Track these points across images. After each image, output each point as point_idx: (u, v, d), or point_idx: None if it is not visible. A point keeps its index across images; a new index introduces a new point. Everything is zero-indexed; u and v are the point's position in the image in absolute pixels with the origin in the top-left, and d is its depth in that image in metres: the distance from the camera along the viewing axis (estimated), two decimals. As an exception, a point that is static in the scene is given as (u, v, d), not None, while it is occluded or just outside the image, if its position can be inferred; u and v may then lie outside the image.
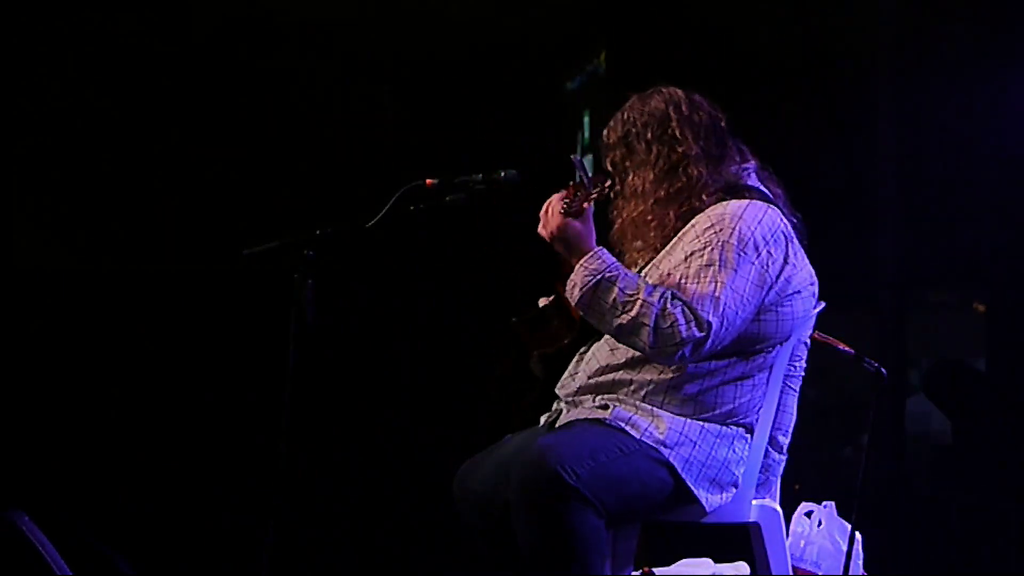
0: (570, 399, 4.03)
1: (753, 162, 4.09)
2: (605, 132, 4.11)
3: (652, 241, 3.99)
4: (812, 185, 6.61)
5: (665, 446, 3.88)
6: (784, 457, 4.16)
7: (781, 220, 3.96)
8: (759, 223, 3.90)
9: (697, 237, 3.88)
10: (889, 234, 6.71)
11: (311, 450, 6.05)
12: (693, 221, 3.94)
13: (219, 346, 6.55)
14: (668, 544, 4.72)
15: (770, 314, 3.91)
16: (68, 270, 6.71)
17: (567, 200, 3.84)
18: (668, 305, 3.77)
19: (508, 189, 4.08)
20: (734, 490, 3.97)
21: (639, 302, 3.77)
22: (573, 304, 3.86)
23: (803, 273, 3.98)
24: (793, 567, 4.39)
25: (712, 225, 3.89)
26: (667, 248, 3.96)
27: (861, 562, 4.67)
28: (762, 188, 4.03)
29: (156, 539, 6.29)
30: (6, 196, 6.69)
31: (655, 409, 3.90)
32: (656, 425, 3.88)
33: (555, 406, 4.11)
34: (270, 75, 6.71)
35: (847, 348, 4.53)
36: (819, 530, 4.73)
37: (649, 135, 4.02)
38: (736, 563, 4.64)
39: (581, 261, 3.83)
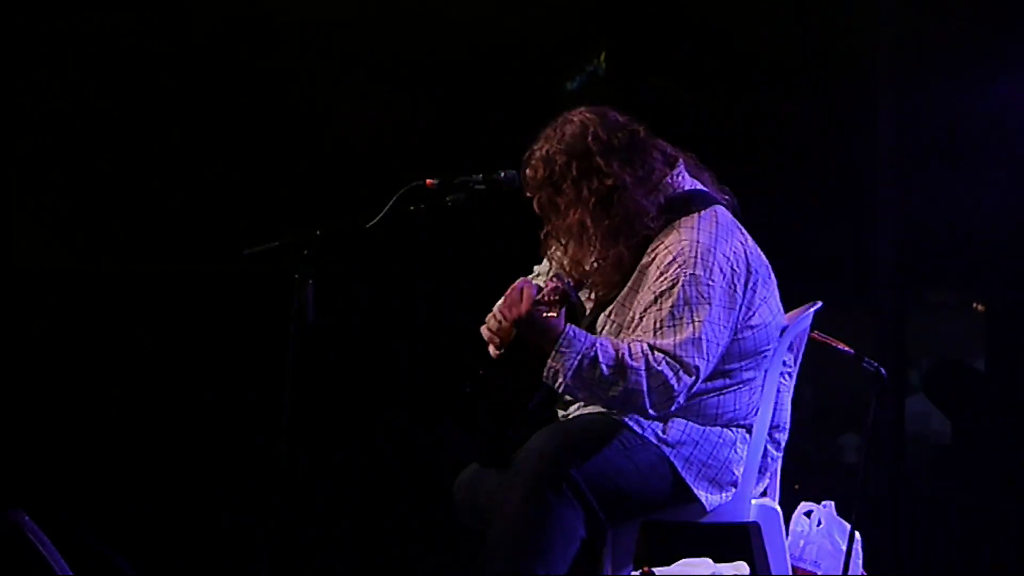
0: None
1: (680, 159, 4.03)
2: (527, 171, 4.00)
3: (611, 277, 3.94)
4: (812, 185, 6.64)
5: (667, 444, 3.90)
6: (780, 454, 4.16)
7: (730, 222, 3.96)
8: (716, 239, 3.88)
9: (662, 275, 3.85)
10: (889, 234, 6.71)
11: (311, 450, 6.05)
12: (651, 251, 3.90)
13: (219, 346, 6.55)
14: (668, 544, 4.72)
15: (746, 332, 3.92)
16: (68, 270, 6.72)
17: (546, 299, 3.74)
18: (653, 364, 3.76)
19: (508, 189, 4.07)
20: (733, 490, 3.97)
21: (625, 370, 3.75)
22: (559, 391, 3.82)
23: (760, 266, 3.96)
24: (793, 567, 4.39)
25: (674, 259, 3.85)
26: (629, 284, 3.92)
27: (861, 562, 4.67)
28: (698, 186, 4.01)
29: (156, 539, 6.29)
30: (6, 196, 6.69)
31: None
32: (659, 423, 3.90)
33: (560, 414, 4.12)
34: (270, 75, 6.71)
35: (847, 348, 4.53)
36: (819, 530, 4.73)
37: (574, 172, 3.91)
38: (736, 563, 4.64)
39: (557, 347, 3.76)
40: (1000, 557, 6.53)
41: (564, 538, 3.82)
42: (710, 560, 4.76)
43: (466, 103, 6.71)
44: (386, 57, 6.71)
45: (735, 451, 3.95)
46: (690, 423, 3.93)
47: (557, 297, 3.73)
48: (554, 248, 4.03)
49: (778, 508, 4.15)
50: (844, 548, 4.52)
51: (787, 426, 4.15)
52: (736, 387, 3.95)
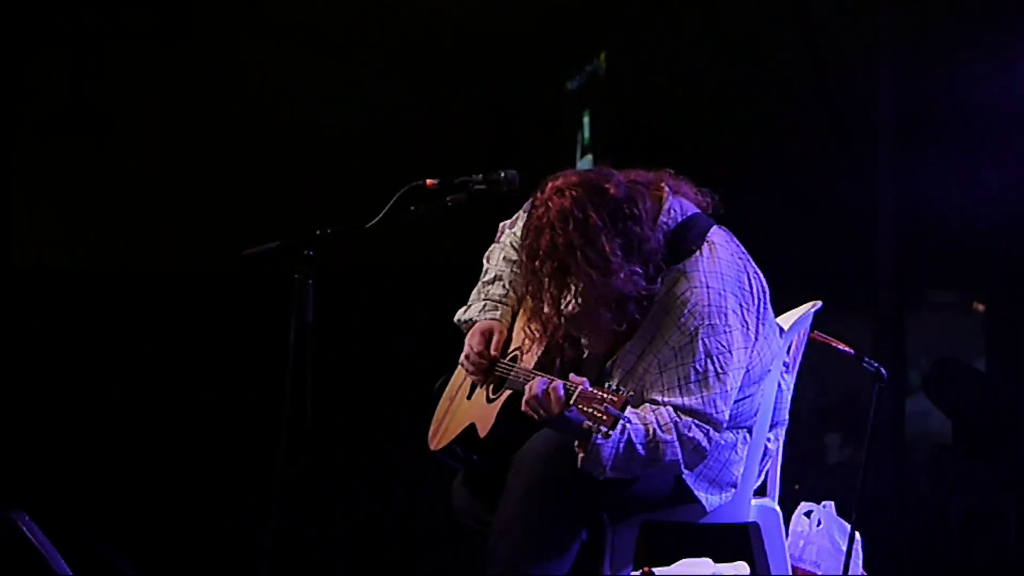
0: None
1: (665, 188, 3.92)
2: (528, 238, 3.85)
3: (610, 338, 3.86)
4: (812, 185, 6.65)
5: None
6: (779, 453, 4.16)
7: (727, 247, 3.91)
8: (723, 280, 3.84)
9: (679, 329, 3.80)
10: (889, 234, 6.71)
11: (311, 450, 6.05)
12: (663, 306, 3.83)
13: (219, 346, 6.56)
14: (668, 544, 4.72)
15: (755, 359, 3.92)
16: (68, 269, 6.72)
17: (584, 405, 3.61)
18: (684, 431, 3.76)
19: (508, 189, 4.07)
20: (733, 490, 3.97)
21: (659, 445, 3.74)
22: (599, 478, 3.76)
23: (760, 284, 3.94)
24: (792, 567, 4.39)
25: (689, 311, 3.80)
26: (640, 333, 3.84)
27: (860, 561, 4.67)
28: (686, 209, 3.94)
29: (156, 539, 6.30)
30: (7, 195, 6.70)
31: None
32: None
33: None
34: (270, 75, 6.71)
35: (847, 348, 4.53)
36: (818, 530, 4.73)
37: (579, 256, 3.76)
38: (736, 563, 4.64)
39: (593, 439, 3.69)
40: (999, 557, 6.53)
41: (565, 538, 3.83)
42: (710, 560, 4.75)
43: (466, 103, 6.71)
44: (386, 57, 6.71)
45: (736, 452, 3.95)
46: (692, 425, 3.92)
47: (602, 416, 3.61)
48: (540, 304, 3.90)
49: (778, 508, 4.15)
50: (844, 548, 4.52)
51: (786, 424, 4.15)
52: (740, 400, 3.95)
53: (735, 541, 4.29)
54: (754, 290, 3.91)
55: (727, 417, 3.82)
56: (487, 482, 3.99)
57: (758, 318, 3.90)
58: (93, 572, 4.71)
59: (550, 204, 3.80)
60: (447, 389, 4.26)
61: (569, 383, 3.67)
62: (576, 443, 3.74)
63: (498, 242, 4.29)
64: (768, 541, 4.09)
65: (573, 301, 3.81)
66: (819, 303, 4.19)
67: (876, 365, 4.47)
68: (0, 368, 6.48)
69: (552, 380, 3.70)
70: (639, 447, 3.72)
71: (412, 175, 4.06)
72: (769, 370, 3.99)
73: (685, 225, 3.91)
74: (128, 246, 6.72)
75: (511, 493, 3.83)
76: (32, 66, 6.69)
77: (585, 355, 3.95)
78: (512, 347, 4.10)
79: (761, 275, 3.96)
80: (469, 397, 4.13)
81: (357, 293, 6.47)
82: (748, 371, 3.89)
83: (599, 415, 3.57)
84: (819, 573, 4.66)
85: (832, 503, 4.77)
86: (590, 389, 3.62)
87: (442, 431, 4.13)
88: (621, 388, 3.60)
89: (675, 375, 3.80)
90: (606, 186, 3.81)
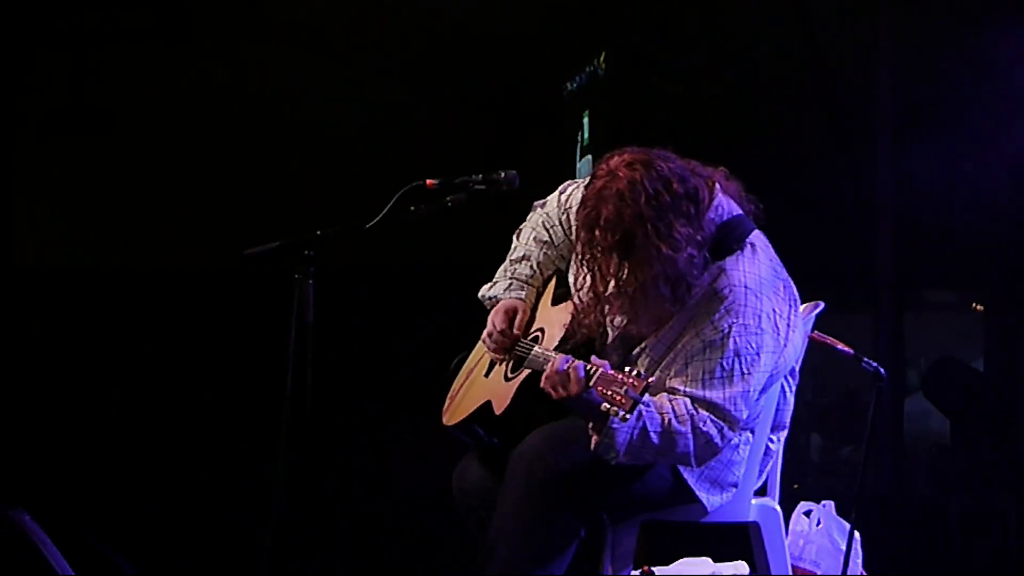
0: None
1: (716, 185, 3.93)
2: (588, 208, 3.81)
3: (665, 316, 3.86)
4: (812, 186, 6.65)
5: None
6: (780, 453, 4.16)
7: (765, 252, 3.93)
8: (761, 283, 3.86)
9: (712, 324, 3.81)
10: (888, 234, 6.71)
11: (311, 450, 6.05)
12: (701, 299, 3.84)
13: (219, 346, 6.56)
14: (668, 544, 4.72)
15: (778, 367, 3.93)
16: (69, 269, 6.72)
17: (603, 387, 3.63)
18: (699, 425, 3.76)
19: (508, 189, 4.07)
20: (734, 490, 3.98)
21: (673, 436, 3.75)
22: (612, 463, 3.78)
23: (792, 292, 3.95)
24: (792, 566, 4.40)
25: (725, 308, 3.81)
26: (673, 324, 3.85)
27: (860, 561, 4.68)
28: (732, 209, 3.94)
29: (156, 539, 6.30)
30: (7, 195, 6.70)
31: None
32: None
33: None
34: (270, 75, 6.72)
35: (846, 348, 4.53)
36: (818, 529, 4.73)
37: (649, 229, 3.74)
38: (736, 563, 4.64)
39: (609, 422, 3.70)
40: (999, 557, 6.53)
41: (563, 538, 3.83)
42: (710, 560, 4.76)
43: (466, 103, 6.71)
44: (386, 57, 6.72)
45: (737, 453, 3.96)
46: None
47: (621, 399, 3.62)
48: (588, 280, 3.88)
49: (778, 508, 4.15)
50: (844, 548, 4.52)
51: (787, 425, 4.15)
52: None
53: (735, 541, 4.30)
54: (787, 298, 3.92)
55: (745, 417, 3.82)
56: (503, 460, 3.98)
57: (788, 325, 3.90)
58: (93, 572, 4.71)
59: (620, 174, 3.77)
60: (464, 366, 4.26)
61: (591, 364, 3.68)
62: (591, 426, 3.75)
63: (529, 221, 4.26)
64: (768, 540, 4.09)
65: (628, 276, 3.79)
66: (821, 304, 4.19)
67: (875, 365, 4.48)
68: (0, 368, 6.49)
69: (573, 360, 3.71)
70: (653, 435, 3.73)
71: (412, 175, 4.06)
72: (784, 375, 4.00)
73: (730, 224, 3.92)
74: (128, 246, 6.73)
75: (509, 492, 3.83)
76: (32, 66, 6.69)
77: (609, 340, 3.94)
78: (534, 327, 4.10)
79: (792, 284, 3.97)
80: (487, 375, 4.13)
81: (357, 293, 6.47)
82: (772, 375, 3.89)
83: (618, 398, 3.59)
84: (819, 572, 4.67)
85: (832, 503, 4.77)
86: (611, 371, 3.63)
87: (456, 407, 4.13)
88: (642, 374, 3.60)
89: (701, 368, 3.81)
90: (674, 167, 3.81)
